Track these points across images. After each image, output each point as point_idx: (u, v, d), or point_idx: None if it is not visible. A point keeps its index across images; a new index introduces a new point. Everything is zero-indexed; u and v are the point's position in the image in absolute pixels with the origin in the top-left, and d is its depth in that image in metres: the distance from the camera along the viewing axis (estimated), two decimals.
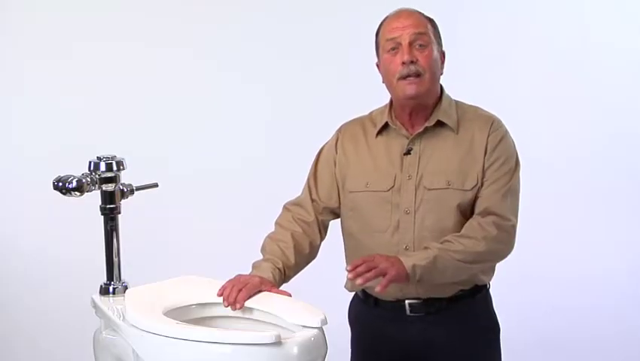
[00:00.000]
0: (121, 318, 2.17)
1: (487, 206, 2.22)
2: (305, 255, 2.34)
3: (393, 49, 2.22)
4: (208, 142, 3.70)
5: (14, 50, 3.63)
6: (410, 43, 2.21)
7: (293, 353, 1.87)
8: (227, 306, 2.13)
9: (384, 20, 2.29)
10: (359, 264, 2.10)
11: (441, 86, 2.32)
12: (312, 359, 1.91)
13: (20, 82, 3.65)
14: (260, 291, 2.16)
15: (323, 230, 2.41)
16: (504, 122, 2.31)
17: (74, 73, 3.63)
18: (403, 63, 2.20)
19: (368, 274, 2.09)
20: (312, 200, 2.39)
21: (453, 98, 2.34)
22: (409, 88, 2.21)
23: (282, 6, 3.71)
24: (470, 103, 2.35)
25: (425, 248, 2.18)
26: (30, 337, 3.62)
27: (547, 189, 3.56)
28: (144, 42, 3.65)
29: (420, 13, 2.27)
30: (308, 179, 2.42)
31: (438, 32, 2.28)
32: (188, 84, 3.69)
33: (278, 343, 1.85)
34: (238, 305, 2.11)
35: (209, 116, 3.70)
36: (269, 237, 2.37)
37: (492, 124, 2.26)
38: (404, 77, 2.21)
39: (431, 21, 2.28)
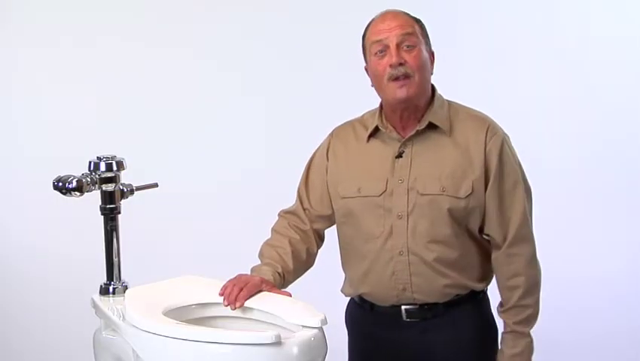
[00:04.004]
0: (121, 318, 2.17)
1: (514, 235, 2.22)
2: (302, 261, 2.33)
3: (381, 51, 2.18)
4: (209, 141, 3.70)
5: (14, 50, 3.63)
6: (398, 45, 2.16)
7: (293, 353, 1.87)
8: (227, 305, 2.13)
9: (370, 23, 2.24)
10: None
11: (433, 87, 2.28)
12: (311, 359, 1.91)
13: (21, 82, 3.65)
14: (260, 291, 2.16)
15: (319, 238, 2.40)
16: (502, 122, 2.28)
17: (74, 73, 3.63)
18: (391, 65, 2.16)
19: None
20: (305, 209, 2.38)
21: (451, 99, 2.31)
22: (400, 91, 2.17)
23: (283, 8, 3.71)
24: (464, 103, 2.31)
25: (513, 332, 2.26)
26: (30, 337, 3.62)
27: (547, 189, 3.54)
28: (144, 42, 3.65)
29: (406, 13, 2.23)
30: (299, 187, 2.41)
31: (426, 33, 2.24)
32: (188, 84, 3.69)
33: (278, 343, 1.85)
34: (238, 304, 2.11)
35: (209, 116, 3.71)
36: (267, 243, 2.36)
37: (488, 130, 2.22)
38: (393, 80, 2.17)
39: (419, 21, 2.23)
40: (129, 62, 3.64)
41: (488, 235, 2.26)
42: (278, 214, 2.44)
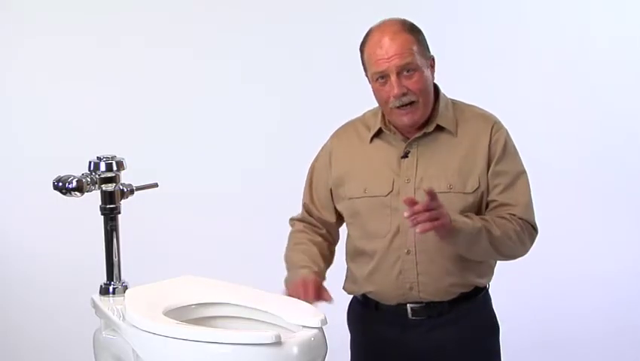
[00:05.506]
0: (121, 318, 2.17)
1: (518, 214, 2.22)
2: (328, 260, 2.37)
3: (382, 78, 2.18)
4: (209, 141, 3.70)
5: (14, 50, 3.63)
6: (398, 74, 2.16)
7: (293, 353, 1.87)
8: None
9: (367, 38, 2.21)
10: (421, 211, 2.04)
11: (436, 87, 2.28)
12: (312, 359, 1.91)
13: (21, 82, 3.64)
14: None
15: (335, 235, 2.42)
16: (503, 120, 2.30)
17: (74, 73, 3.63)
18: (395, 96, 2.16)
19: (427, 226, 2.04)
20: (312, 215, 2.40)
21: (453, 97, 2.32)
22: (406, 118, 2.20)
23: (284, 8, 3.71)
24: (467, 102, 2.33)
25: (468, 217, 2.17)
26: (30, 337, 3.62)
27: (547, 189, 3.54)
28: (144, 42, 3.65)
29: (403, 28, 2.18)
30: (305, 201, 2.41)
31: (424, 43, 2.21)
32: (189, 84, 3.68)
33: (278, 343, 1.85)
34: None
35: (209, 116, 3.70)
36: (293, 249, 2.36)
37: (494, 125, 2.25)
38: (398, 107, 2.18)
39: (416, 34, 2.20)
40: (129, 62, 3.64)
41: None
42: (291, 221, 2.44)
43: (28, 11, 3.63)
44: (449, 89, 2.34)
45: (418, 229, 2.05)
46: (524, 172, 2.28)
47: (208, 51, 3.70)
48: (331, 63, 3.63)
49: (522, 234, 2.22)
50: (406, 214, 2.06)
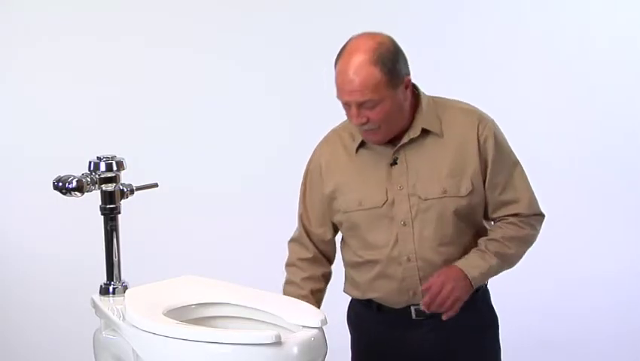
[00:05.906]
0: (121, 318, 2.17)
1: (524, 212, 2.24)
2: (323, 289, 2.37)
3: (345, 104, 2.17)
4: (209, 141, 3.70)
5: (14, 49, 3.63)
6: (359, 106, 2.13)
7: (293, 353, 1.87)
8: None
9: (339, 57, 2.17)
10: (432, 301, 2.17)
11: (415, 88, 2.24)
12: (312, 359, 1.91)
13: (20, 81, 3.64)
14: None
15: (331, 254, 2.39)
16: (502, 122, 2.29)
17: (74, 72, 3.63)
18: (355, 124, 2.17)
19: (451, 313, 2.19)
20: (308, 233, 2.37)
21: (447, 96, 2.30)
22: (370, 138, 2.21)
23: (285, 6, 3.71)
24: (451, 98, 2.31)
25: (481, 251, 2.22)
26: (30, 337, 3.62)
27: (546, 189, 3.54)
28: (143, 42, 3.65)
29: (369, 60, 2.10)
30: (300, 212, 2.38)
31: (395, 70, 2.12)
32: (189, 84, 3.68)
33: (278, 343, 1.85)
34: None
35: (210, 116, 3.70)
36: (286, 289, 2.35)
37: (480, 122, 2.22)
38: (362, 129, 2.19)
39: (384, 65, 2.10)
40: (129, 61, 3.64)
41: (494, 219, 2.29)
42: (288, 244, 2.43)
43: (28, 11, 3.63)
44: (449, 90, 2.33)
45: (443, 317, 2.20)
46: (517, 162, 2.27)
47: (208, 51, 3.70)
48: (331, 63, 3.62)
49: (534, 230, 2.27)
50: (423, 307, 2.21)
